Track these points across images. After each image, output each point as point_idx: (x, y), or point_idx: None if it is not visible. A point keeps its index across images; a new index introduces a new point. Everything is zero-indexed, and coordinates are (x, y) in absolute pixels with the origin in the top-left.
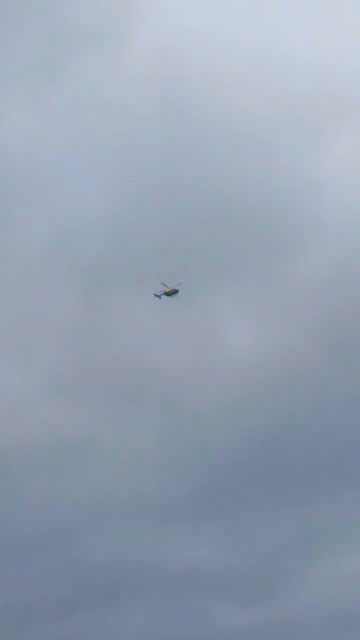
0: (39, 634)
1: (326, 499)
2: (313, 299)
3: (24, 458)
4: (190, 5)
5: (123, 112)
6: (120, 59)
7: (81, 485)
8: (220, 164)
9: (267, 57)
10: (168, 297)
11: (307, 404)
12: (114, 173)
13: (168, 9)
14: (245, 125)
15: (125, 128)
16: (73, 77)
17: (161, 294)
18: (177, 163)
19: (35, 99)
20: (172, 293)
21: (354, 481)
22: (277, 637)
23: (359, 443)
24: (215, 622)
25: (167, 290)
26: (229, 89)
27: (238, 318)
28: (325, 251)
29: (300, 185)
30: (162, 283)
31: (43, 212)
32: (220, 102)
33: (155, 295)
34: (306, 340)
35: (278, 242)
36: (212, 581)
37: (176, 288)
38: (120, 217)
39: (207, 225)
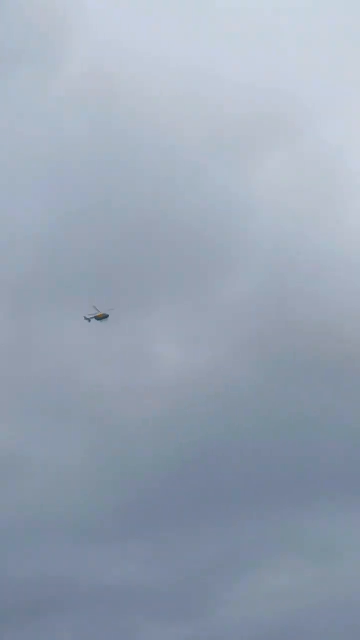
0: None
1: (253, 516)
2: (242, 316)
3: None
4: (121, 23)
5: (55, 129)
6: (53, 76)
7: (7, 501)
8: (151, 183)
9: (198, 76)
10: (98, 321)
11: (236, 421)
12: (46, 190)
13: (99, 27)
14: (177, 144)
15: (57, 146)
16: (5, 94)
17: (91, 318)
18: (109, 182)
19: None
20: (102, 317)
21: (280, 498)
22: None
23: (284, 459)
24: (144, 638)
25: (97, 314)
26: (161, 108)
27: (167, 336)
28: (255, 270)
29: (231, 204)
30: (94, 306)
31: None
32: (152, 122)
33: (86, 319)
34: (235, 358)
35: (208, 261)
36: (139, 598)
37: (107, 313)
38: (50, 235)
39: (138, 243)
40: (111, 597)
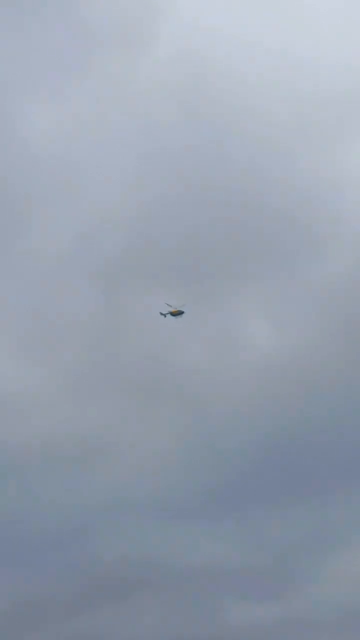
0: (54, 630)
1: (340, 497)
2: (332, 296)
3: (40, 456)
4: (211, 7)
5: (144, 113)
6: (143, 60)
7: (98, 483)
8: (240, 165)
9: (287, 58)
10: (173, 317)
11: (325, 405)
12: (135, 175)
13: (188, 10)
14: (265, 126)
15: (145, 131)
16: (95, 78)
17: (167, 313)
18: (197, 165)
19: (56, 100)
20: (177, 313)
21: None
22: (290, 633)
23: None
24: (229, 619)
25: (172, 310)
26: (250, 90)
27: (258, 319)
28: (344, 249)
29: (319, 184)
30: (167, 303)
31: (64, 213)
32: (239, 104)
33: (161, 314)
34: (325, 338)
35: (297, 241)
36: (228, 578)
37: (181, 309)
38: (139, 220)
39: (228, 225)
40: (200, 577)
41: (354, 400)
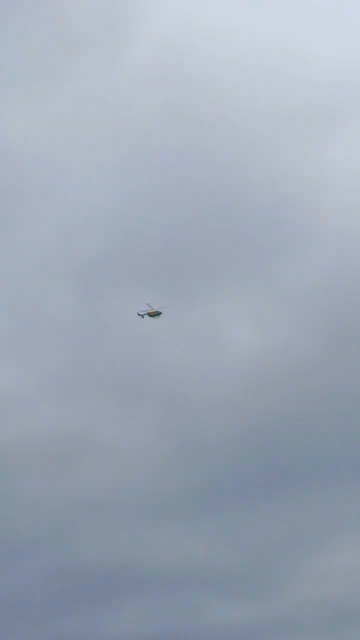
0: (36, 632)
1: (321, 497)
2: (314, 296)
3: (20, 455)
4: (193, 3)
5: (125, 110)
6: (122, 56)
7: (77, 483)
8: (221, 161)
9: (269, 51)
10: (151, 318)
11: (308, 401)
12: (117, 173)
13: (172, 7)
14: (247, 122)
15: (127, 127)
16: (74, 76)
17: (144, 314)
18: (179, 162)
19: (36, 98)
20: (155, 314)
21: (349, 476)
22: (271, 633)
23: (355, 439)
24: (211, 619)
25: (150, 311)
26: (231, 85)
27: (240, 318)
28: (326, 248)
29: (302, 182)
30: (147, 303)
31: (44, 212)
32: (222, 102)
33: (139, 315)
34: (307, 336)
35: (279, 240)
36: (207, 578)
37: (160, 310)
38: (120, 217)
39: (209, 223)
40: (181, 577)
41: (337, 400)
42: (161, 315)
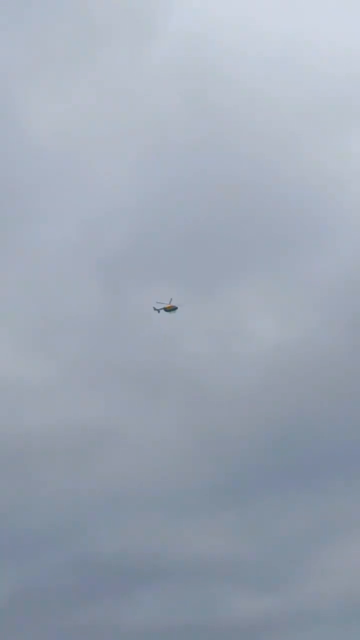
0: (54, 623)
1: (341, 489)
2: (335, 289)
3: (44, 447)
4: None
5: (150, 103)
6: (146, 49)
7: (102, 474)
8: (245, 154)
9: (295, 44)
10: (167, 313)
11: (328, 398)
12: (140, 165)
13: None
14: (271, 119)
15: (151, 119)
16: (99, 68)
17: (160, 309)
18: (202, 157)
19: (60, 91)
20: (171, 309)
21: None
22: (291, 623)
23: None
24: (229, 611)
25: (166, 305)
26: (256, 77)
27: (260, 311)
28: (348, 242)
29: (325, 176)
30: (158, 302)
31: (67, 205)
32: (244, 97)
33: (154, 309)
34: (330, 329)
35: (301, 234)
36: (226, 570)
37: (175, 305)
38: (144, 210)
39: (232, 216)
40: (200, 569)
41: (357, 393)
42: (177, 311)
